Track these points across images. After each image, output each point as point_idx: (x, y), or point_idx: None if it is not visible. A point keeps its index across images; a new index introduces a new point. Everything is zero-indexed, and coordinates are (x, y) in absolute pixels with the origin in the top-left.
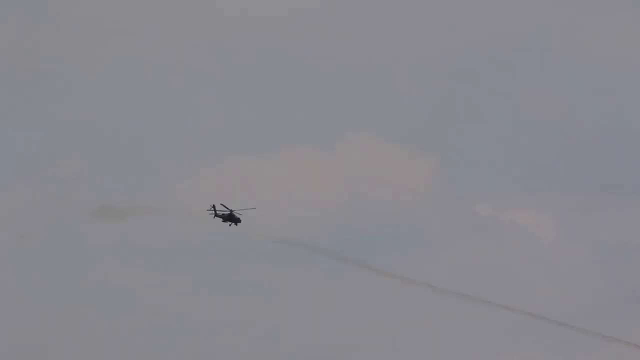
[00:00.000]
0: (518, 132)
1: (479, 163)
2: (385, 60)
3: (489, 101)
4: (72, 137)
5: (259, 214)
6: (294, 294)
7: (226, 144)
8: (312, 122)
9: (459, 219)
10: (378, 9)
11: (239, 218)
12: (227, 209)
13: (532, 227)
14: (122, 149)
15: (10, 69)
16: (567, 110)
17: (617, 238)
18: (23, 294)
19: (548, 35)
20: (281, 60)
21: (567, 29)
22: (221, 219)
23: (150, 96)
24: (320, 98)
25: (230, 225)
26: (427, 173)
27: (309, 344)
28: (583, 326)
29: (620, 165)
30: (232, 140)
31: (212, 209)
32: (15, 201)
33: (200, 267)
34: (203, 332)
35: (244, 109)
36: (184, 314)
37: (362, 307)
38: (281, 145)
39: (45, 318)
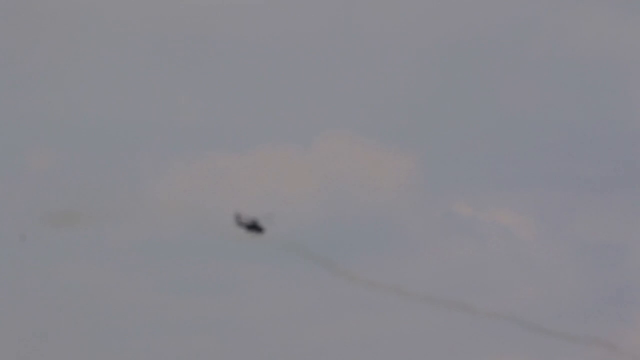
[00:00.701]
0: (498, 131)
1: (459, 162)
2: (363, 57)
3: (469, 99)
4: (45, 131)
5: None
6: (266, 294)
7: (202, 141)
8: (290, 119)
9: (438, 219)
10: (356, 5)
11: (262, 227)
12: (249, 218)
13: (512, 227)
14: (95, 144)
15: None
16: (548, 108)
17: (599, 237)
18: None
19: (526, 33)
20: (259, 57)
21: (545, 25)
22: (245, 229)
23: (125, 91)
24: (297, 95)
25: (255, 234)
26: (406, 172)
27: (276, 345)
28: (564, 327)
29: (602, 163)
30: (208, 137)
31: (237, 218)
32: None
33: (172, 266)
34: (170, 333)
35: (220, 105)
36: (153, 314)
37: (337, 310)
38: (258, 143)
39: (14, 322)
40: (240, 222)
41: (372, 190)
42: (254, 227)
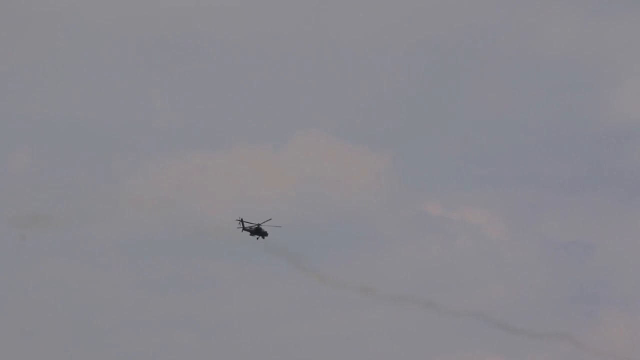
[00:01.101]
0: (469, 132)
1: (431, 162)
2: (337, 60)
3: (441, 101)
4: (22, 133)
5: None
6: (242, 291)
7: (178, 140)
8: (265, 119)
9: (410, 218)
10: (330, 10)
11: (266, 232)
12: (253, 223)
13: (482, 226)
14: (73, 144)
15: None
16: (518, 110)
17: (567, 236)
18: None
19: (497, 36)
20: (234, 58)
21: (515, 28)
22: (249, 233)
23: (101, 92)
24: (273, 96)
25: (257, 238)
26: (379, 172)
27: (251, 339)
28: (532, 324)
29: (571, 164)
30: (184, 137)
31: (240, 222)
32: None
33: (150, 264)
34: (150, 328)
35: (196, 105)
36: (132, 310)
37: (308, 307)
38: (233, 142)
39: None
40: (244, 227)
41: (345, 189)
42: (257, 231)
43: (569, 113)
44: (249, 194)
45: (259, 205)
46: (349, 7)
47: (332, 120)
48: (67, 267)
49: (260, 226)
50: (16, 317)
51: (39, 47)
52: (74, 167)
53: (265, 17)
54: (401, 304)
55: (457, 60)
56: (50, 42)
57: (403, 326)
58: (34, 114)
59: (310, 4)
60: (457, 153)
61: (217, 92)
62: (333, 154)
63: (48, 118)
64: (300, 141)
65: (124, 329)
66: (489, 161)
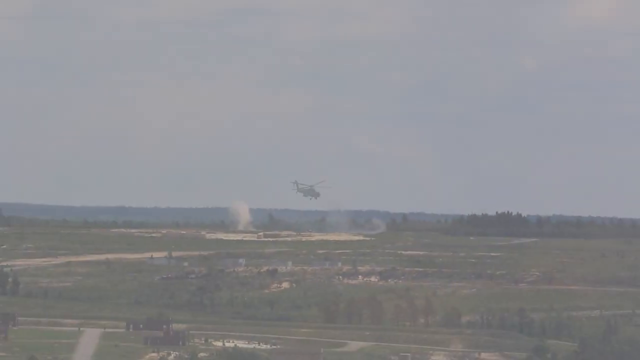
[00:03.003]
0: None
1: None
2: None
3: None
4: None
5: None
6: None
7: None
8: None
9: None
10: None
11: (318, 192)
12: (306, 184)
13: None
14: None
15: None
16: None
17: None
18: None
19: None
20: None
21: None
22: (302, 194)
23: None
24: None
25: (310, 199)
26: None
27: None
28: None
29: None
30: None
31: (295, 184)
32: None
33: None
34: None
35: None
36: None
37: None
38: None
39: None
40: (299, 189)
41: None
42: (311, 192)
43: None
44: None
45: None
46: None
47: None
48: None
49: (313, 187)
50: None
51: None
52: None
53: None
54: None
55: None
56: None
57: None
58: None
59: None
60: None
61: None
62: None
63: None
64: None
65: None
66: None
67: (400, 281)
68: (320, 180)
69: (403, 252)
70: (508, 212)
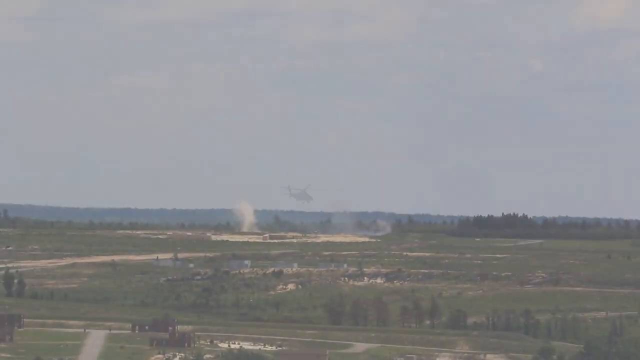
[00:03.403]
0: None
1: None
2: None
3: None
4: None
5: None
6: None
7: None
8: None
9: None
10: None
11: (311, 196)
12: (299, 189)
13: None
14: None
15: None
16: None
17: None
18: None
19: None
20: None
21: None
22: (295, 199)
23: None
24: None
25: (303, 203)
26: None
27: None
28: None
29: None
30: None
31: (288, 188)
32: None
33: None
34: None
35: None
36: None
37: None
38: None
39: None
40: (292, 193)
41: None
42: (303, 195)
43: None
44: None
45: None
46: None
47: None
48: None
49: (304, 191)
50: None
51: None
52: None
53: None
54: None
55: None
56: None
57: None
58: None
59: None
60: None
61: None
62: None
63: None
64: None
65: None
66: None
67: (406, 282)
68: (307, 185)
69: (409, 253)
70: (514, 213)
